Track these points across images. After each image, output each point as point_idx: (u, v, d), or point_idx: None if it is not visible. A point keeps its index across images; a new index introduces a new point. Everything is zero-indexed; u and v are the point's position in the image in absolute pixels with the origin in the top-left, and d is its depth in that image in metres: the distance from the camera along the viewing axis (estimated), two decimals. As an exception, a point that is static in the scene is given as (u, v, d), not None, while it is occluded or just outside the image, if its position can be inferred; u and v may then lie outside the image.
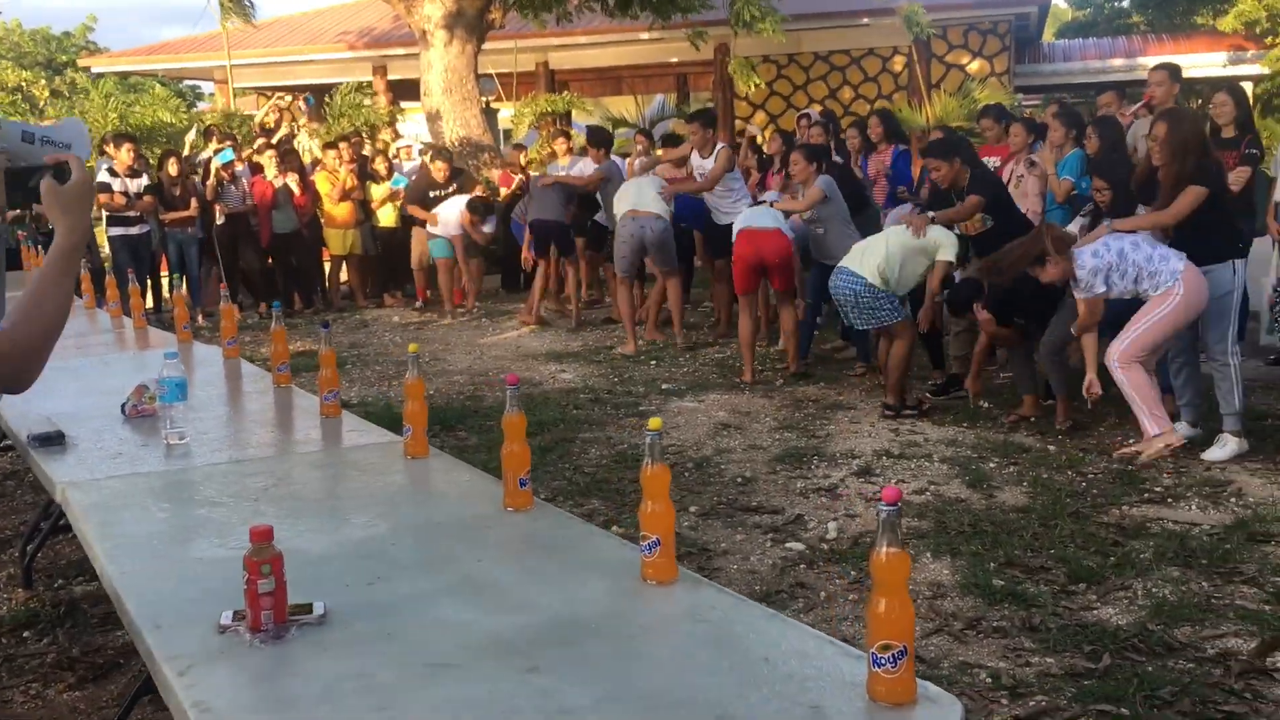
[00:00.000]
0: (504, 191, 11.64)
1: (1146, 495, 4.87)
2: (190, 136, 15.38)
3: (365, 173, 11.84)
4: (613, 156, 10.31)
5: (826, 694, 1.77)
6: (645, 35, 15.56)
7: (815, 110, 11.85)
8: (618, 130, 15.41)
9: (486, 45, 14.64)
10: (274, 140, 13.41)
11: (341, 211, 11.48)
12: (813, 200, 7.27)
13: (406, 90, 16.48)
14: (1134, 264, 5.32)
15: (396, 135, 14.36)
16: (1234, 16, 18.33)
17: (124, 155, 10.59)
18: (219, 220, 11.27)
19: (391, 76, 18.25)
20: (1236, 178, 6.22)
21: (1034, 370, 6.23)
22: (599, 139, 10.20)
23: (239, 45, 18.58)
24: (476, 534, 2.64)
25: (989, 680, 3.24)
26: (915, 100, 15.77)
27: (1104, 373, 5.49)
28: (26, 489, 5.61)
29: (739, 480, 5.29)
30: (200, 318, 10.59)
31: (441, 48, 13.70)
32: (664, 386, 7.36)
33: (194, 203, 10.99)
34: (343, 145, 11.94)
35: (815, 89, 18.14)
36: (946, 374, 6.92)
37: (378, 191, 11.71)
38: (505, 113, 17.66)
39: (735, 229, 7.45)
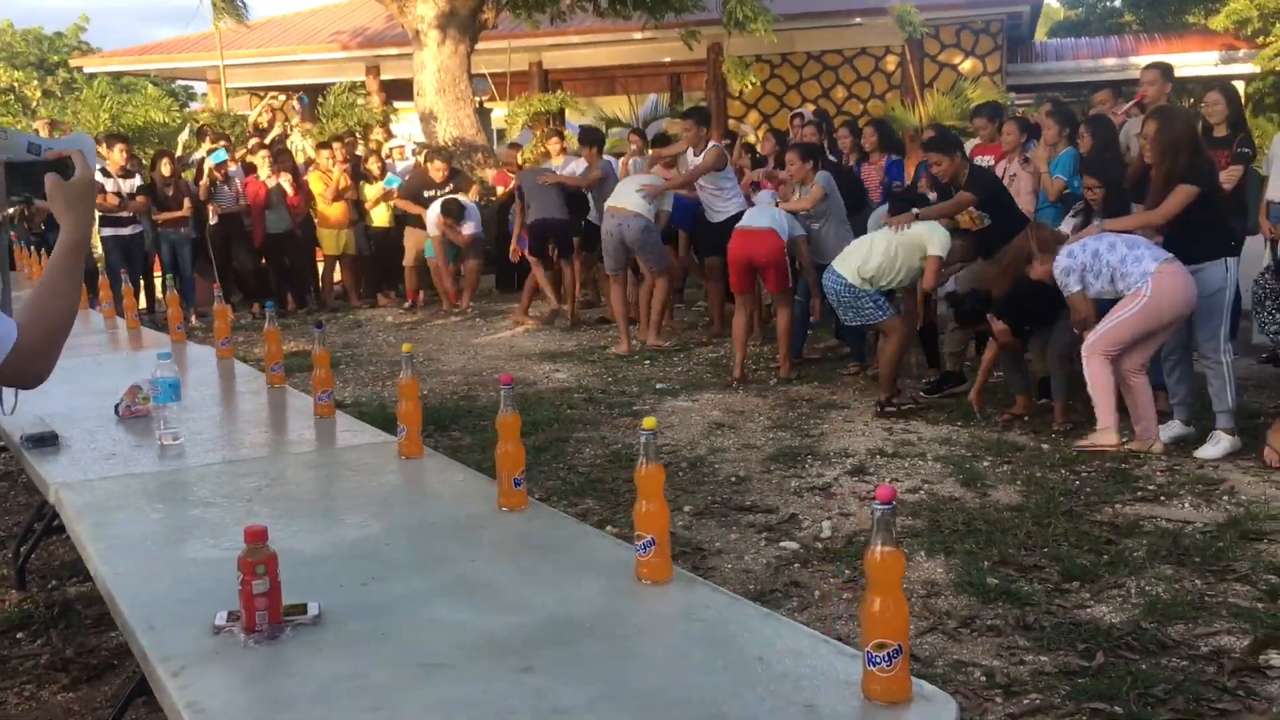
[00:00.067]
0: (500, 190, 11.64)
1: (1140, 493, 4.88)
2: (183, 137, 15.35)
3: (358, 173, 11.83)
4: (605, 156, 10.30)
5: (821, 693, 1.77)
6: (638, 35, 15.58)
7: (808, 110, 11.88)
8: (611, 130, 15.42)
9: (480, 45, 14.63)
10: (267, 140, 13.39)
11: (335, 211, 11.46)
12: (816, 198, 7.33)
13: (400, 90, 16.48)
14: (1108, 264, 5.37)
15: (389, 135, 14.34)
16: (1225, 16, 18.36)
17: (116, 156, 10.58)
18: (212, 220, 11.26)
19: (385, 76, 18.25)
20: (1229, 176, 6.24)
21: (1026, 370, 6.26)
22: (592, 138, 10.20)
23: (232, 45, 18.56)
24: (471, 534, 2.64)
25: (983, 679, 3.25)
26: (908, 100, 15.80)
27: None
28: (20, 490, 5.60)
29: (733, 480, 5.29)
30: (193, 318, 10.58)
31: (434, 48, 13.69)
32: (658, 386, 7.36)
33: (187, 203, 10.99)
34: (336, 145, 11.93)
35: (808, 88, 18.17)
36: (941, 371, 6.93)
37: (371, 191, 11.70)
38: (499, 112, 17.67)
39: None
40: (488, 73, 16.65)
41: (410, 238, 11.35)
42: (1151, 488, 4.95)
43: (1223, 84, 7.28)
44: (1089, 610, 3.70)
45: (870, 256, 6.33)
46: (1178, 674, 3.22)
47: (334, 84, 15.83)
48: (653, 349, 8.46)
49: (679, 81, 18.92)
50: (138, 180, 10.85)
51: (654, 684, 1.84)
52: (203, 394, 4.40)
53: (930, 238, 6.32)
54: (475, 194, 11.43)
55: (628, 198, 8.41)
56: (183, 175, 11.49)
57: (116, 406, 3.92)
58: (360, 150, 12.97)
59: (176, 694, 1.84)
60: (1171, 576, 3.94)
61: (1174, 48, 17.72)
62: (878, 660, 1.72)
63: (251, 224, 11.37)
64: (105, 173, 10.42)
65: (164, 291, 11.40)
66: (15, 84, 27.59)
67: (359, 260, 11.99)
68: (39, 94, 27.85)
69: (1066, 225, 6.36)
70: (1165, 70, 7.06)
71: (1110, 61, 17.96)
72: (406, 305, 11.42)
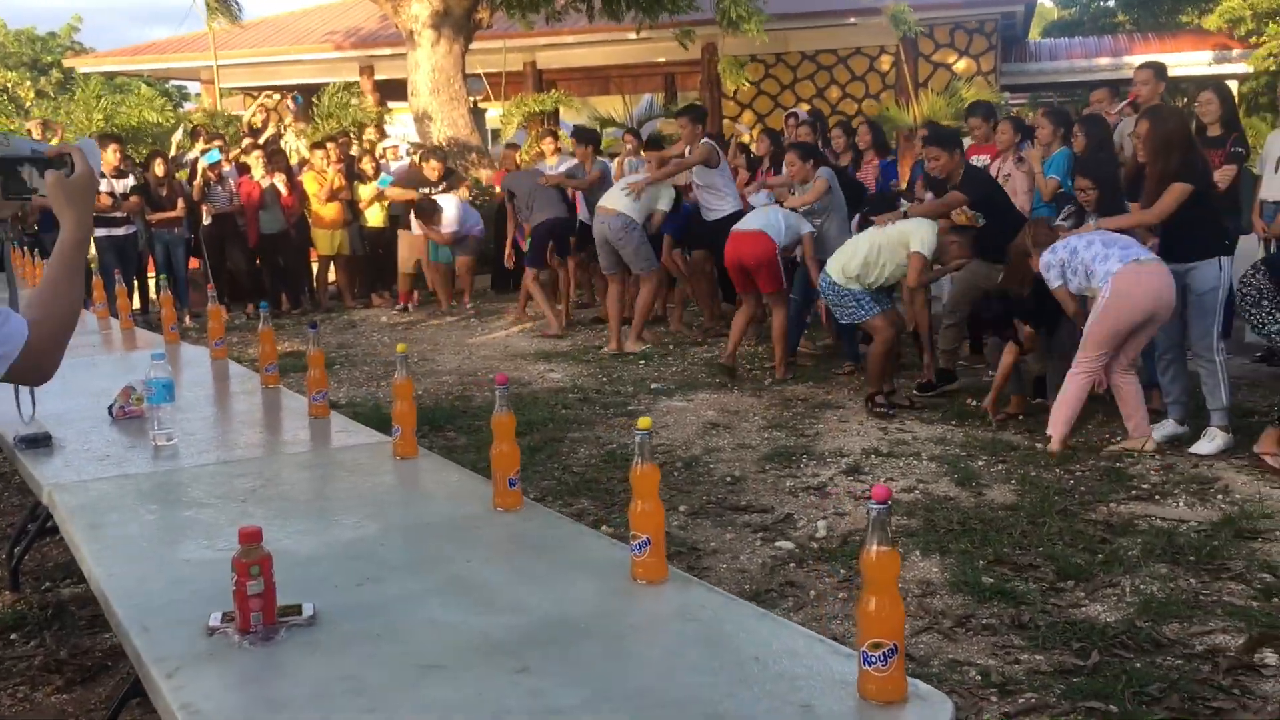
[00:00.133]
0: (499, 190, 11.63)
1: (1134, 492, 4.89)
2: (177, 137, 15.33)
3: (353, 173, 11.82)
4: (598, 157, 10.30)
5: (817, 693, 1.77)
6: (633, 35, 15.57)
7: (803, 109, 11.88)
8: (606, 130, 15.42)
9: (474, 45, 14.62)
10: (261, 140, 13.37)
11: (329, 212, 11.44)
12: (819, 191, 7.39)
13: (394, 90, 16.45)
14: (1083, 262, 5.42)
15: (382, 135, 14.33)
16: (1219, 15, 18.40)
17: (110, 156, 10.55)
18: (206, 221, 11.24)
19: (378, 76, 18.22)
20: (1223, 176, 6.26)
21: (1021, 370, 6.26)
22: (587, 138, 10.21)
23: (225, 45, 18.53)
24: (466, 534, 2.64)
25: (979, 678, 3.25)
26: (902, 99, 15.82)
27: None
28: (13, 491, 5.58)
29: (728, 479, 5.29)
30: (187, 318, 10.56)
31: (429, 47, 13.68)
32: (653, 386, 7.36)
33: (180, 203, 10.97)
34: (330, 145, 11.91)
35: (803, 88, 18.17)
36: (934, 370, 6.93)
37: (365, 192, 11.69)
38: (493, 112, 17.66)
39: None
40: (482, 73, 16.63)
41: (404, 240, 11.33)
42: (1146, 487, 4.96)
43: (1216, 83, 7.29)
44: (1084, 609, 3.70)
45: (855, 255, 6.40)
46: (1173, 673, 3.22)
47: (328, 84, 15.81)
48: (631, 351, 8.43)
49: (673, 81, 18.92)
50: (131, 180, 10.83)
51: (650, 684, 1.84)
52: (197, 395, 4.39)
53: (914, 234, 6.33)
54: (465, 193, 11.41)
55: (612, 197, 8.51)
56: (176, 175, 11.47)
57: (110, 407, 3.91)
58: (354, 150, 12.96)
59: (170, 695, 1.84)
60: (1166, 575, 3.95)
61: (1167, 47, 17.74)
62: (873, 660, 1.72)
63: (245, 224, 11.36)
64: (99, 173, 10.39)
65: (158, 292, 11.43)
66: (8, 85, 27.54)
67: (354, 260, 11.97)
68: (32, 95, 27.79)
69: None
70: (1159, 70, 7.07)
71: (1104, 61, 17.99)
72: (399, 308, 11.39)
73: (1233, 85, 14.38)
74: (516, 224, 10.14)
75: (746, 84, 17.11)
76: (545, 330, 9.56)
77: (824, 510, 4.81)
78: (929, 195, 7.25)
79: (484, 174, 13.40)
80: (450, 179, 11.39)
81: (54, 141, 11.13)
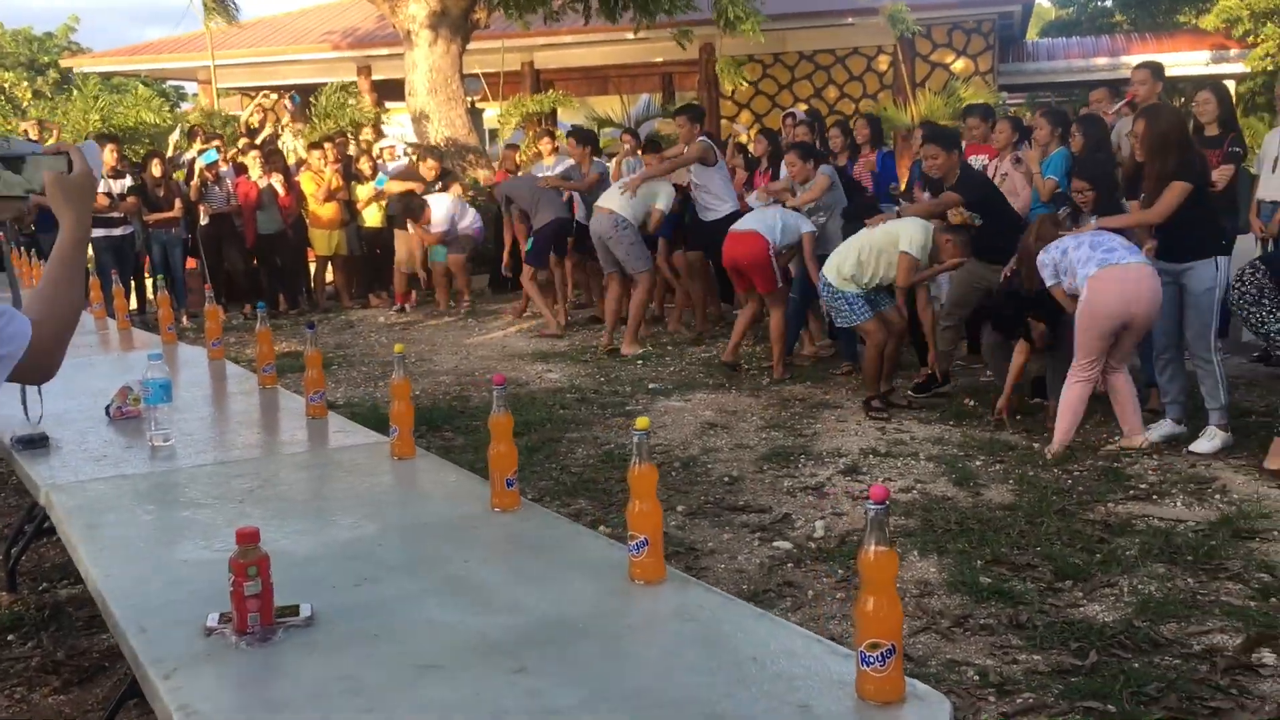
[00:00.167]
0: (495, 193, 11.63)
1: (1132, 492, 4.89)
2: (174, 137, 15.31)
3: (350, 173, 11.81)
4: (594, 158, 10.30)
5: (815, 693, 1.77)
6: (631, 35, 15.56)
7: (800, 109, 11.87)
8: (603, 130, 15.40)
9: (471, 45, 14.61)
10: (258, 140, 13.36)
11: (327, 212, 11.44)
12: (822, 188, 7.46)
13: (391, 90, 16.44)
14: (1071, 263, 5.43)
15: (378, 135, 14.32)
16: (1216, 15, 18.38)
17: (107, 156, 10.54)
18: (203, 221, 11.23)
19: (376, 76, 18.21)
20: (1220, 175, 6.26)
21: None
22: (585, 139, 10.21)
23: (222, 45, 18.51)
24: (463, 534, 2.63)
25: (976, 678, 3.25)
26: (900, 99, 15.81)
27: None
28: (10, 492, 5.57)
29: (726, 479, 5.29)
30: (185, 319, 10.55)
31: (426, 48, 13.67)
32: (650, 386, 7.35)
33: (178, 203, 10.96)
34: (327, 145, 11.91)
35: (800, 88, 18.17)
36: (929, 370, 6.93)
37: (363, 192, 11.68)
38: (490, 112, 17.64)
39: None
40: (480, 73, 16.62)
41: (401, 240, 11.33)
42: (1143, 486, 4.96)
43: (1214, 83, 7.30)
44: (1082, 609, 3.70)
45: (848, 256, 6.43)
46: (1170, 672, 3.22)
47: (325, 84, 15.79)
48: (627, 354, 8.43)
49: (671, 81, 18.92)
50: (128, 181, 10.82)
51: (647, 684, 1.84)
52: (194, 395, 4.39)
53: (903, 234, 6.34)
54: (456, 193, 11.40)
55: (608, 196, 8.57)
56: (173, 176, 11.45)
57: (107, 408, 3.91)
58: (352, 150, 12.95)
59: (168, 696, 1.84)
60: (1164, 575, 3.95)
61: (1165, 47, 17.75)
62: (871, 660, 1.72)
63: (243, 224, 11.35)
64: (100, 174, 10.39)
65: (155, 292, 11.42)
66: (5, 85, 27.49)
67: (351, 261, 11.96)
68: (29, 95, 27.75)
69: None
70: (1156, 69, 7.07)
71: (1101, 61, 17.99)
72: (396, 308, 11.37)
73: (1230, 85, 14.40)
74: (517, 229, 10.13)
75: (744, 84, 17.11)
76: (543, 330, 9.56)
77: (822, 510, 4.81)
78: (925, 196, 7.25)
79: (482, 174, 13.39)
80: (446, 179, 11.39)
81: (49, 141, 11.13)
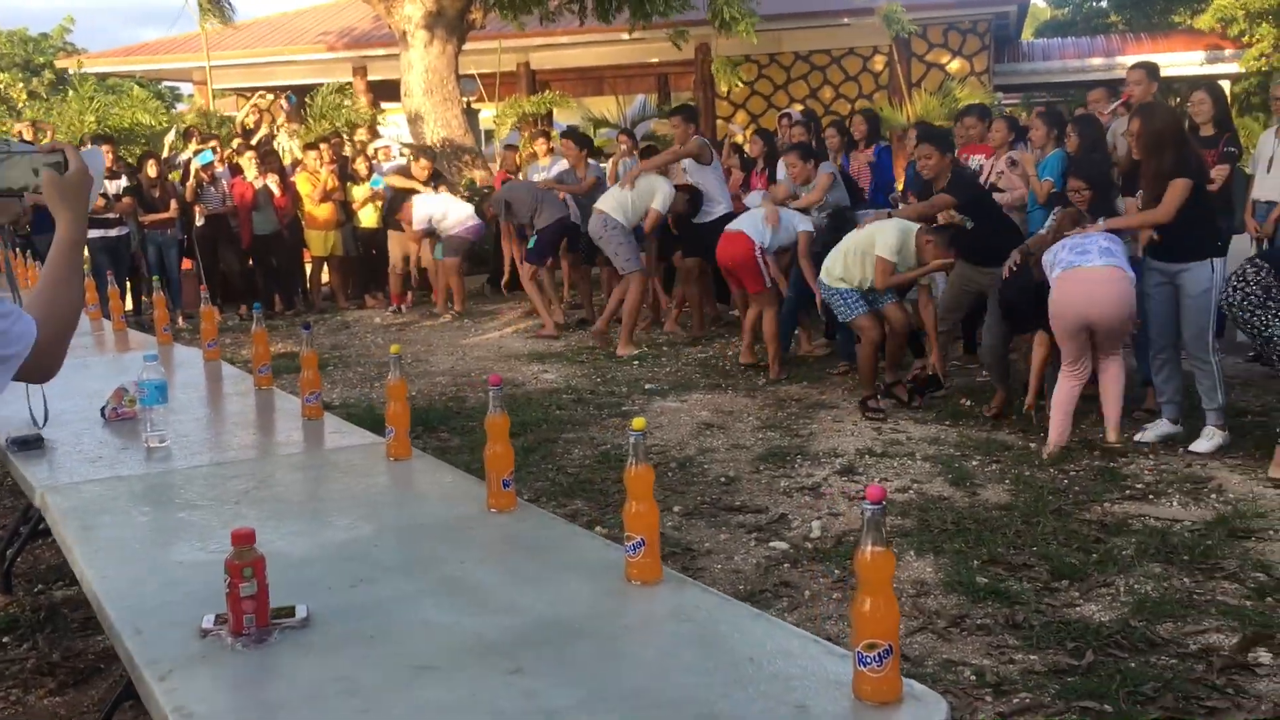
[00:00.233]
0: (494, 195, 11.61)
1: (1128, 492, 4.89)
2: (169, 138, 15.30)
3: (346, 174, 11.80)
4: (590, 160, 10.30)
5: (812, 693, 1.77)
6: (626, 35, 15.57)
7: (796, 110, 11.89)
8: (599, 130, 15.40)
9: (467, 45, 14.60)
10: (253, 141, 13.35)
11: (323, 212, 11.43)
12: (825, 187, 7.53)
13: (387, 91, 16.45)
14: (1051, 261, 5.47)
15: (373, 135, 14.31)
16: (1211, 15, 18.40)
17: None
18: (199, 222, 11.21)
19: (372, 77, 18.20)
20: (1216, 175, 6.26)
21: (1007, 366, 6.26)
22: (580, 142, 10.22)
23: (218, 46, 18.50)
24: (460, 535, 2.63)
25: (973, 678, 3.25)
26: (896, 99, 15.83)
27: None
28: (5, 493, 5.56)
29: (722, 480, 5.29)
30: (180, 320, 10.54)
31: (422, 48, 13.66)
32: (647, 387, 7.35)
33: (173, 204, 10.95)
34: (323, 146, 11.90)
35: (796, 88, 18.19)
36: (926, 368, 6.93)
37: (359, 192, 11.67)
38: (487, 113, 17.63)
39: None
40: (476, 73, 16.61)
41: (394, 240, 11.31)
42: (1140, 486, 4.97)
43: (1209, 83, 7.31)
44: (1078, 609, 3.70)
45: (838, 257, 6.49)
46: (1167, 672, 3.22)
47: (321, 85, 15.78)
48: (622, 355, 8.43)
49: (667, 82, 18.93)
50: (124, 182, 10.80)
51: (644, 685, 1.83)
52: (189, 396, 4.38)
53: (878, 237, 6.35)
54: (445, 194, 11.39)
55: (604, 198, 8.62)
56: (169, 176, 11.44)
57: (103, 409, 3.90)
58: (347, 151, 12.94)
59: (163, 698, 1.83)
60: (1160, 575, 3.95)
61: (1160, 47, 17.78)
62: (868, 660, 1.72)
63: (239, 225, 11.34)
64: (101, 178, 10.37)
65: (150, 293, 11.39)
66: (0, 86, 27.46)
67: (347, 261, 11.96)
68: (24, 96, 27.70)
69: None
70: (1151, 70, 7.08)
71: (1097, 61, 18.01)
72: (392, 309, 11.36)
73: (1225, 85, 14.43)
74: (513, 241, 10.15)
75: (740, 84, 17.12)
76: (540, 331, 9.56)
77: (818, 510, 4.81)
78: (912, 199, 7.28)
79: (478, 175, 13.38)
80: (438, 180, 11.37)
81: (44, 142, 11.10)
